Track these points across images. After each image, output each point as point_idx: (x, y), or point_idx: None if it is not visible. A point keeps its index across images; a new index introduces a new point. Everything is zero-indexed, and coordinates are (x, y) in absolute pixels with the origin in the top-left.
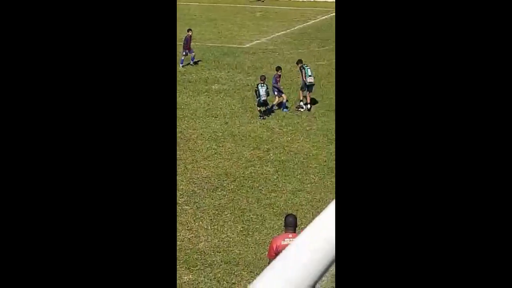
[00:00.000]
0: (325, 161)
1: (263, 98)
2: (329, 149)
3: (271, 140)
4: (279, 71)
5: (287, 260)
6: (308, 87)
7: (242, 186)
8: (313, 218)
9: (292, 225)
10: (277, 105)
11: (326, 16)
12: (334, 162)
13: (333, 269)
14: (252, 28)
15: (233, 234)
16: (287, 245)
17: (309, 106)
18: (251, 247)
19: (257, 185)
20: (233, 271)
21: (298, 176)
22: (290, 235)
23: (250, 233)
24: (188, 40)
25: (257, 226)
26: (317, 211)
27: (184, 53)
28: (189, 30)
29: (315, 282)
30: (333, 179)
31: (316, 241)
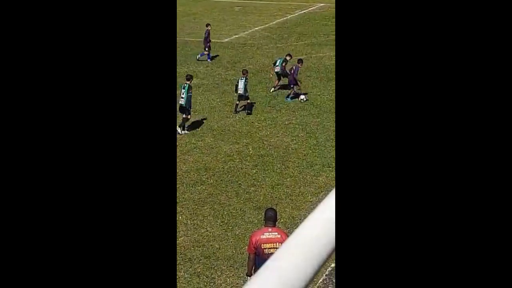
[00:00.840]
0: (304, 155)
1: (240, 91)
2: (308, 143)
3: (250, 135)
4: (300, 63)
5: (281, 260)
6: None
7: (221, 180)
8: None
9: (272, 219)
10: (293, 94)
11: (304, 11)
12: (313, 156)
13: (328, 268)
14: (231, 23)
15: (212, 228)
16: (266, 239)
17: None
18: (231, 242)
19: (236, 179)
20: (213, 266)
21: (277, 170)
22: (270, 229)
23: (229, 227)
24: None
25: (237, 221)
26: (296, 205)
27: (206, 48)
28: (207, 25)
29: (310, 281)
30: (312, 173)
31: (310, 239)
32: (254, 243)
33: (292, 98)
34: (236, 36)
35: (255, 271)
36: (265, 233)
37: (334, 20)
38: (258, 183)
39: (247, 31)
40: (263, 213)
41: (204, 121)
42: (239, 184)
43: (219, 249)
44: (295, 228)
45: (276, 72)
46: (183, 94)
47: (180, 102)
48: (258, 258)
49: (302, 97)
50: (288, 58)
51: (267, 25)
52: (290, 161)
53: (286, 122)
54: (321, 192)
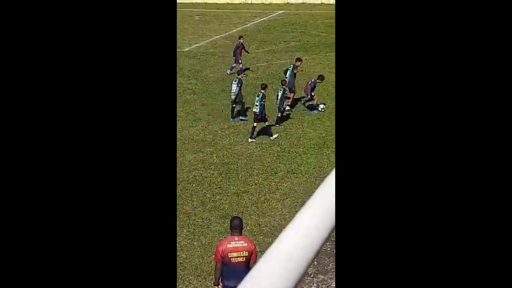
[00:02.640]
0: (268, 162)
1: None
2: (271, 150)
3: (214, 143)
4: (320, 79)
5: (262, 270)
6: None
7: (186, 189)
8: (258, 219)
9: (238, 227)
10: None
11: (264, 18)
12: (277, 162)
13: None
14: (191, 32)
15: (179, 238)
16: (233, 248)
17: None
18: (197, 251)
19: (201, 188)
20: (180, 276)
21: (242, 178)
22: (236, 238)
23: (196, 236)
24: (239, 48)
25: (203, 230)
26: (262, 212)
27: (239, 61)
28: (240, 37)
29: None
30: (277, 179)
31: (290, 248)
32: (220, 252)
33: (311, 109)
34: (197, 45)
35: (223, 280)
36: (231, 242)
37: (293, 26)
38: (223, 191)
39: (208, 40)
40: (229, 222)
41: None
42: (204, 193)
43: (186, 258)
44: (261, 235)
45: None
46: (257, 102)
47: (254, 110)
48: (225, 267)
49: (321, 106)
50: (298, 63)
51: (227, 33)
52: (254, 168)
53: (250, 130)
54: (286, 198)
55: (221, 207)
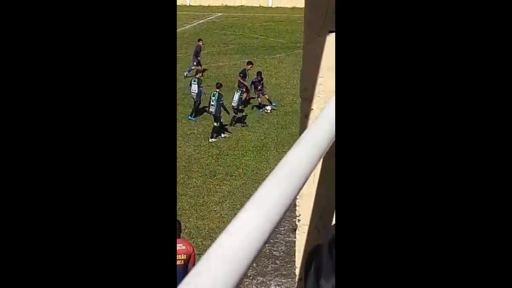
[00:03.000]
0: (207, 164)
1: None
2: (210, 152)
3: None
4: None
5: (201, 273)
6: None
7: None
8: (196, 222)
9: (177, 230)
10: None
11: (202, 20)
12: (216, 165)
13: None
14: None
15: None
16: None
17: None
18: None
19: None
20: None
21: (180, 181)
22: None
23: None
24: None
25: None
26: (200, 214)
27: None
28: (199, 40)
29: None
30: (216, 182)
31: (230, 250)
32: None
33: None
34: None
35: None
36: None
37: (232, 29)
38: None
39: None
40: None
41: None
42: None
43: None
44: (200, 238)
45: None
46: (213, 102)
47: (210, 110)
48: None
49: (268, 108)
50: (248, 67)
51: None
52: (192, 171)
53: (188, 132)
54: (225, 201)
55: None
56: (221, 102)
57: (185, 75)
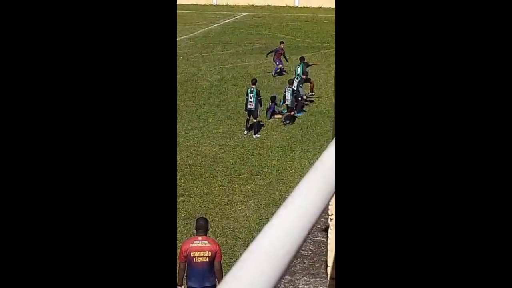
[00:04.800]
0: (232, 164)
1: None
2: (235, 151)
3: (178, 144)
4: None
5: (244, 267)
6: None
7: None
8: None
9: (203, 228)
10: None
11: (228, 20)
12: (241, 164)
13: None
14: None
15: None
16: (196, 247)
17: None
18: None
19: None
20: None
21: (206, 180)
22: (200, 238)
23: None
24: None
25: None
26: (225, 214)
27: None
28: (281, 42)
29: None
30: (240, 181)
31: (271, 246)
32: (184, 252)
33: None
34: None
35: (187, 280)
36: (195, 242)
37: (258, 29)
38: (187, 193)
39: None
40: (194, 222)
41: None
42: None
43: None
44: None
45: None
46: (251, 98)
47: (249, 106)
48: (188, 267)
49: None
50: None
51: (192, 34)
52: (218, 170)
53: (213, 131)
54: (250, 200)
55: (184, 209)
56: (259, 98)
57: (272, 74)
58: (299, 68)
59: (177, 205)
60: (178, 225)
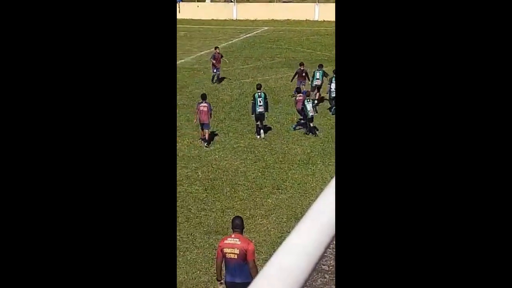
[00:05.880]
0: (253, 178)
1: (310, 113)
2: (256, 165)
3: (199, 159)
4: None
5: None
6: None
7: None
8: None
9: (238, 227)
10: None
11: (249, 34)
12: (262, 178)
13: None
14: (177, 48)
15: None
16: (228, 244)
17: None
18: (182, 267)
19: (186, 204)
20: None
21: (227, 194)
22: (233, 235)
23: (180, 252)
24: (215, 57)
25: (187, 246)
26: (247, 228)
27: (214, 70)
28: (216, 47)
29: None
30: (262, 195)
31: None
32: (220, 248)
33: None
34: (182, 61)
35: (225, 274)
36: (228, 239)
37: (278, 43)
38: (208, 207)
39: (193, 56)
40: (231, 221)
41: None
42: (189, 208)
43: None
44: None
45: (316, 85)
46: (260, 102)
47: (259, 110)
48: (224, 262)
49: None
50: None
51: (213, 49)
52: (239, 184)
53: (235, 146)
54: (271, 214)
55: (206, 223)
56: (266, 101)
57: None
58: (318, 74)
59: (199, 220)
60: (199, 240)
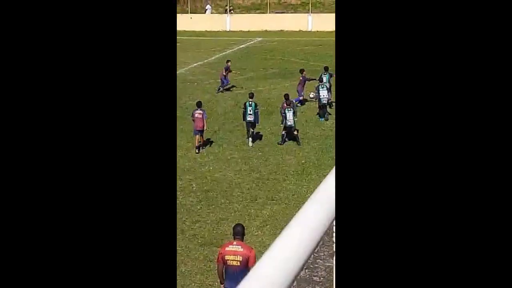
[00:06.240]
0: (248, 189)
1: (289, 122)
2: (251, 176)
3: (193, 170)
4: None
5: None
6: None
7: None
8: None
9: (239, 233)
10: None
11: (242, 46)
12: (257, 189)
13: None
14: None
15: None
16: (229, 251)
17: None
18: (177, 280)
19: (181, 216)
20: None
21: (222, 206)
22: (235, 242)
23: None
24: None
25: (182, 258)
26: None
27: (223, 81)
28: (228, 61)
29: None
30: (256, 206)
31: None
32: (221, 255)
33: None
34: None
35: (225, 280)
36: (229, 246)
37: (272, 54)
38: (203, 219)
39: (186, 67)
40: (232, 229)
41: None
42: (184, 221)
43: None
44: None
45: (327, 88)
46: (250, 111)
47: (249, 119)
48: (225, 269)
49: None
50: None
51: (206, 60)
52: (234, 195)
53: (229, 157)
54: (266, 225)
55: (201, 235)
56: (257, 111)
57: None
58: (325, 78)
59: (194, 232)
60: (194, 252)
